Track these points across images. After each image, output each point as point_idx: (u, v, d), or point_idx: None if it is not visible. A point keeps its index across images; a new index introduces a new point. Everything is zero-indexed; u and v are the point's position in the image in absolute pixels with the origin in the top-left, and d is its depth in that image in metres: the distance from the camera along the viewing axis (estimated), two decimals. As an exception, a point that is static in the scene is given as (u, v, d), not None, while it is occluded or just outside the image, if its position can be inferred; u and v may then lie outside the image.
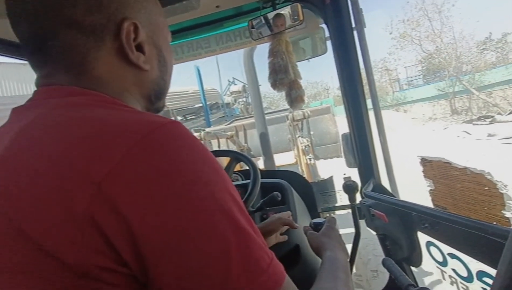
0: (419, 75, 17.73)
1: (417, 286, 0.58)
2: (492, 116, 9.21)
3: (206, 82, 8.13)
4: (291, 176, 1.12)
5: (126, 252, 0.24)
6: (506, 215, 0.50)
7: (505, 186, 0.48)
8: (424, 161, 0.69)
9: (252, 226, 0.28)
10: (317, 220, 0.68)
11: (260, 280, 0.25)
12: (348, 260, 0.76)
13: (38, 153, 0.26)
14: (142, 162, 0.24)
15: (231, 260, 0.24)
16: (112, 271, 0.24)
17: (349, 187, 0.75)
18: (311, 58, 1.20)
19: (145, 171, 0.24)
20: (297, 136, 2.88)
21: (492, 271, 0.53)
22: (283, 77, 0.91)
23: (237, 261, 0.25)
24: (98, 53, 0.33)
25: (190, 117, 8.61)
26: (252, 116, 3.21)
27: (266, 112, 2.78)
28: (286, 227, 0.74)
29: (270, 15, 0.95)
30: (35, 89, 0.35)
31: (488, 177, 0.50)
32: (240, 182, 1.09)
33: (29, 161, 0.26)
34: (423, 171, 0.71)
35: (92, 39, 0.33)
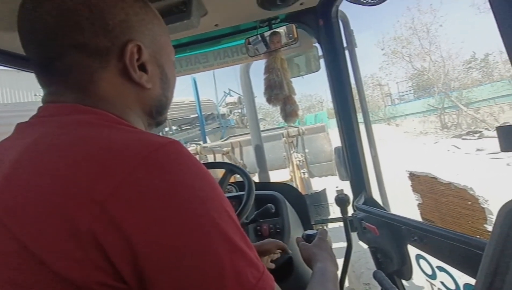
0: (410, 90, 18.28)
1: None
2: (480, 131, 9.49)
3: (202, 93, 8.19)
4: (284, 188, 1.14)
5: (126, 269, 0.25)
6: (488, 229, 0.52)
7: (486, 201, 0.51)
8: (412, 176, 0.72)
9: (246, 241, 0.29)
10: (309, 231, 0.70)
11: None
12: (340, 272, 0.77)
13: (43, 172, 0.26)
14: (143, 182, 0.25)
15: (225, 278, 0.26)
16: (111, 287, 0.25)
17: (341, 200, 0.77)
18: (305, 74, 1.25)
19: (146, 191, 0.25)
20: (292, 152, 2.92)
21: (477, 283, 0.55)
22: (278, 92, 0.94)
23: (230, 278, 0.26)
24: (103, 74, 0.35)
25: (185, 127, 8.61)
26: (248, 133, 3.23)
27: (262, 127, 2.81)
28: (278, 251, 0.74)
29: (267, 33, 1.00)
30: (41, 105, 0.36)
31: (471, 192, 0.53)
32: (234, 193, 1.10)
33: (33, 180, 0.26)
34: (411, 185, 0.74)
35: (97, 61, 0.34)
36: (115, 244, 0.24)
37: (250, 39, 1.01)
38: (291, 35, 1.00)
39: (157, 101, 0.41)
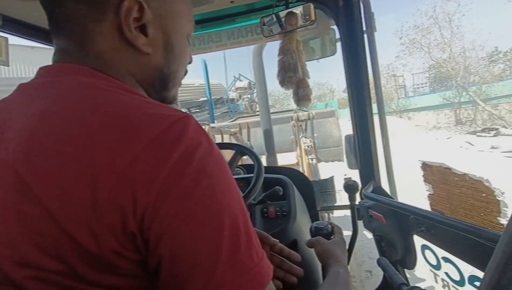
0: (426, 83, 17.62)
1: (409, 285, 0.60)
2: (497, 129, 9.16)
3: (212, 76, 8.14)
4: (292, 173, 1.14)
5: (140, 238, 0.26)
6: (501, 222, 0.51)
7: (502, 193, 0.50)
8: (425, 166, 0.70)
9: (248, 223, 0.29)
10: (318, 224, 0.67)
11: (244, 278, 0.26)
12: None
13: (64, 139, 0.27)
14: (160, 154, 0.26)
15: (221, 254, 0.26)
16: (124, 257, 0.26)
17: (350, 187, 0.77)
18: (320, 58, 1.21)
19: (163, 162, 0.26)
20: (300, 136, 2.90)
21: (484, 276, 0.55)
22: (292, 75, 0.92)
23: (226, 256, 0.26)
24: (99, 27, 0.33)
25: (194, 111, 8.62)
26: (256, 115, 3.20)
27: (270, 111, 2.80)
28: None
29: (282, 14, 0.96)
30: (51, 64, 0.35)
31: (487, 184, 0.52)
32: (242, 175, 1.11)
33: (56, 146, 0.26)
34: (423, 176, 0.72)
35: (93, 11, 0.32)
36: (133, 213, 0.25)
37: (265, 19, 0.98)
38: (307, 16, 0.96)
39: (158, 71, 0.38)
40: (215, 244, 0.26)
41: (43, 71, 0.34)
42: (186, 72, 0.45)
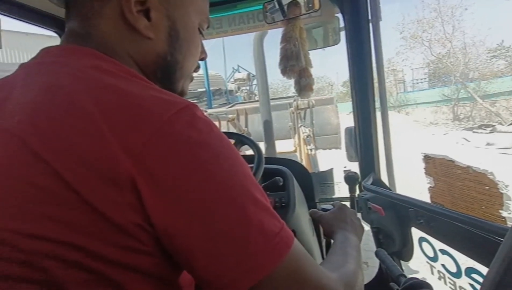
0: (425, 78, 17.58)
1: (407, 277, 0.60)
2: (493, 126, 9.23)
3: (210, 67, 8.03)
4: (291, 164, 1.13)
5: (156, 215, 0.26)
6: (503, 215, 0.51)
7: (506, 186, 0.49)
8: (427, 158, 0.70)
9: (265, 197, 0.31)
10: (325, 206, 0.69)
11: (273, 242, 0.28)
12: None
13: (78, 115, 0.26)
14: (172, 136, 0.27)
15: (250, 227, 0.27)
16: (145, 229, 0.27)
17: (350, 178, 0.77)
18: (322, 48, 1.18)
19: (176, 143, 0.27)
20: (299, 125, 2.88)
21: (481, 268, 0.55)
22: (294, 64, 0.90)
23: (255, 227, 0.27)
24: (103, 8, 0.34)
25: (192, 101, 8.53)
26: (255, 101, 3.17)
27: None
28: None
29: (285, 0, 0.93)
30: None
31: (490, 176, 0.51)
32: (242, 166, 1.10)
33: (70, 120, 0.26)
34: (424, 168, 0.72)
35: None
36: (149, 191, 0.26)
37: (268, 5, 0.95)
38: (311, 4, 0.93)
39: (160, 58, 0.37)
40: (243, 217, 0.27)
41: (44, 52, 0.34)
42: (198, 66, 0.45)
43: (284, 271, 0.28)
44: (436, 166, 0.66)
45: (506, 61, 13.58)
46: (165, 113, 0.27)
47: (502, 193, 0.50)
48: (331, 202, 0.74)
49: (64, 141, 0.26)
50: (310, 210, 0.68)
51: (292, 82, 1.05)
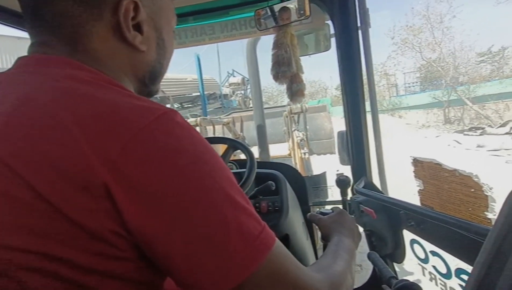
0: (417, 82, 17.92)
1: (398, 279, 0.61)
2: (483, 128, 9.44)
3: (205, 71, 8.04)
4: (285, 168, 1.14)
5: (133, 223, 0.26)
6: (488, 216, 0.52)
7: (491, 188, 0.51)
8: (416, 162, 0.71)
9: (246, 199, 0.31)
10: (324, 210, 0.69)
11: (254, 244, 0.28)
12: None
13: (51, 124, 0.26)
14: (149, 143, 0.26)
15: (228, 230, 0.27)
16: (121, 236, 0.27)
17: (342, 182, 0.77)
18: (313, 53, 1.20)
19: (153, 150, 0.26)
20: (293, 129, 2.92)
21: (470, 269, 0.56)
22: (286, 70, 0.91)
23: (234, 230, 0.28)
24: (94, 27, 0.33)
25: (187, 105, 8.53)
26: (250, 110, 3.22)
27: (264, 107, 2.82)
28: None
29: (277, 7, 0.95)
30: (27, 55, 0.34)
31: (476, 179, 0.53)
32: (235, 170, 1.10)
33: (42, 131, 0.26)
34: (414, 171, 0.73)
35: (89, 12, 0.32)
36: (126, 198, 0.25)
37: (260, 12, 0.96)
38: (302, 11, 0.95)
39: (151, 67, 0.39)
40: (222, 220, 0.27)
41: (21, 62, 0.34)
42: None
43: (265, 272, 0.28)
44: (424, 169, 0.67)
45: (493, 66, 13.97)
46: (142, 120, 0.27)
47: (487, 195, 0.51)
48: (331, 207, 0.74)
49: (36, 152, 0.26)
50: (309, 213, 0.68)
51: (286, 87, 1.06)
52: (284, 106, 4.23)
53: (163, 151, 0.27)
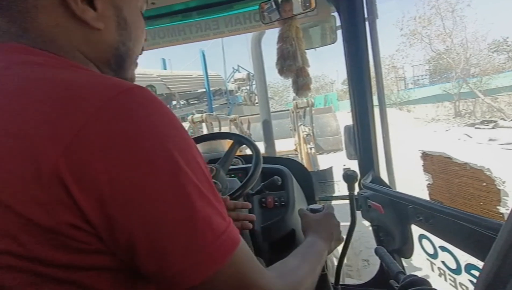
0: (426, 75, 17.49)
1: (406, 274, 0.60)
2: (495, 121, 9.17)
3: (210, 67, 8.03)
4: (291, 163, 1.13)
5: (92, 211, 0.24)
6: (501, 211, 0.51)
7: (503, 182, 0.49)
8: (425, 156, 0.70)
9: (214, 193, 0.29)
10: (314, 206, 0.70)
11: (221, 238, 0.27)
12: (341, 248, 0.78)
13: (4, 116, 0.24)
14: (108, 125, 0.24)
15: (196, 220, 0.26)
16: (80, 229, 0.25)
17: (349, 176, 0.77)
18: (319, 46, 1.18)
19: (112, 133, 0.24)
20: (299, 124, 2.92)
21: (481, 264, 0.55)
22: (291, 63, 0.90)
23: (202, 220, 0.26)
24: (40, 1, 0.30)
25: (192, 102, 8.56)
26: (257, 114, 3.26)
27: (270, 103, 2.85)
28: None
29: (281, 0, 0.93)
30: None
31: (487, 173, 0.51)
32: (241, 165, 1.10)
33: None
34: (423, 165, 0.72)
35: None
36: (80, 186, 0.23)
37: (264, 5, 0.95)
38: (307, 4, 0.93)
39: (113, 49, 0.36)
40: (191, 209, 0.26)
41: None
42: (142, 49, 0.42)
43: (230, 270, 0.27)
44: (434, 163, 0.66)
45: (508, 56, 13.46)
46: (101, 98, 0.25)
47: (499, 189, 0.49)
48: (323, 203, 0.74)
49: None
50: (299, 209, 0.68)
51: (291, 81, 1.05)
52: (288, 110, 4.36)
53: (122, 135, 0.24)
